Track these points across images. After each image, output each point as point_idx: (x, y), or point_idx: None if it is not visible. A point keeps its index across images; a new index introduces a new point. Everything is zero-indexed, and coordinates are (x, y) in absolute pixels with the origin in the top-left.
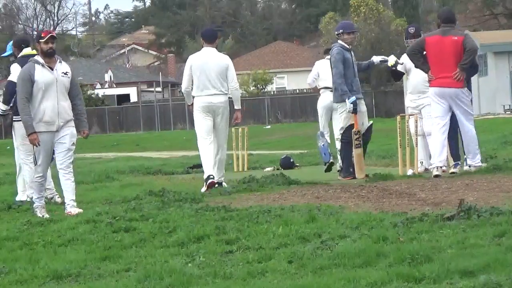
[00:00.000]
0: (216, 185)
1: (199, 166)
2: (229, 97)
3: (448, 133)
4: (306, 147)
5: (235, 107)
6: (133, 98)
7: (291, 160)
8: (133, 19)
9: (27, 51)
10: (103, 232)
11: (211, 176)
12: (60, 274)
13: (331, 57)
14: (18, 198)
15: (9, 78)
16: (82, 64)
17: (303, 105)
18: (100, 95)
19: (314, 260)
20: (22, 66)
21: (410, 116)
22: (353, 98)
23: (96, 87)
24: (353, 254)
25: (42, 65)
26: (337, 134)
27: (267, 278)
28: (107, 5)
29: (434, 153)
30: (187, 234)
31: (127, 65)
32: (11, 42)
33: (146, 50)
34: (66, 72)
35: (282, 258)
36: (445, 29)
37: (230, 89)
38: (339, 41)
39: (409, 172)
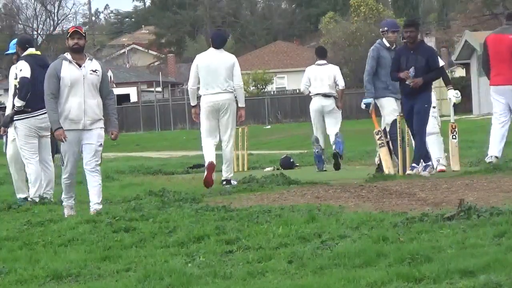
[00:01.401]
0: (224, 182)
1: (199, 166)
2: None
3: (413, 135)
4: (306, 147)
5: (239, 105)
6: (133, 98)
7: (291, 160)
8: (133, 19)
9: (31, 50)
10: (103, 232)
11: (211, 160)
12: (60, 274)
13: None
14: (20, 197)
15: (22, 75)
16: None
17: (303, 105)
18: None
19: (314, 260)
20: (29, 63)
21: None
22: (369, 100)
23: None
24: (353, 254)
25: (70, 62)
26: (333, 134)
27: (267, 278)
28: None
29: (493, 144)
30: (187, 234)
31: (127, 65)
32: (15, 40)
33: (146, 50)
34: (96, 70)
35: (282, 258)
36: (504, 27)
37: (235, 87)
38: (383, 39)
39: (409, 172)
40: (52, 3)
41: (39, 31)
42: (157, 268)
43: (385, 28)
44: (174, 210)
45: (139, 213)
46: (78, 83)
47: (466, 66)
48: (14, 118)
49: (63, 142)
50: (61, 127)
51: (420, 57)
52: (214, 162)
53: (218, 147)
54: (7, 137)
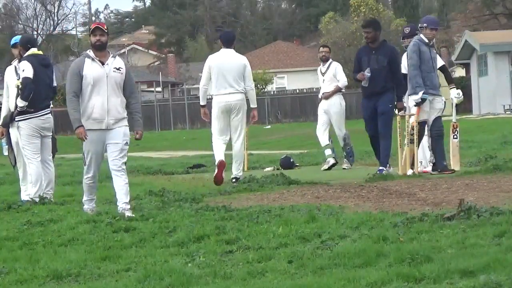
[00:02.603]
0: (234, 180)
1: (199, 166)
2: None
3: (376, 138)
4: (306, 147)
5: (251, 106)
6: None
7: (291, 160)
8: (133, 19)
9: (33, 50)
10: (103, 232)
11: (221, 159)
12: (60, 274)
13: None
14: (22, 197)
15: (25, 75)
16: None
17: (303, 105)
18: None
19: (314, 260)
20: (31, 63)
21: (411, 116)
22: (425, 96)
23: None
24: (353, 254)
25: (92, 59)
26: (342, 133)
27: (267, 278)
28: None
29: None
30: (187, 234)
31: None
32: (18, 37)
33: (146, 50)
34: (119, 67)
35: (282, 258)
36: None
37: (246, 89)
38: (421, 35)
39: (409, 172)
40: (52, 3)
41: (39, 31)
42: (157, 268)
43: (424, 25)
44: (174, 210)
45: (139, 213)
46: (101, 81)
47: (466, 66)
48: (17, 119)
49: (84, 140)
50: (82, 126)
51: (381, 57)
52: (224, 160)
53: (228, 147)
54: (8, 139)
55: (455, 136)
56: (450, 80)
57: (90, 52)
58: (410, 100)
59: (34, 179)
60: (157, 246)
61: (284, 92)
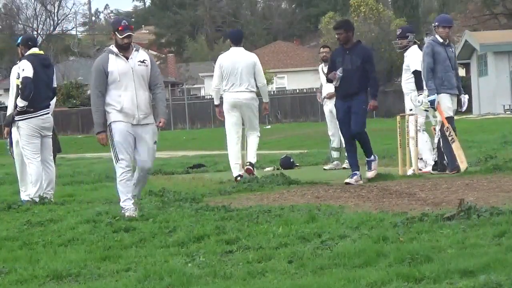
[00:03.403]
0: (248, 163)
1: (199, 166)
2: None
3: (350, 142)
4: (306, 147)
5: (264, 100)
6: None
7: (291, 160)
8: (133, 19)
9: (34, 50)
10: (103, 232)
11: (239, 175)
12: (60, 274)
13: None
14: (22, 197)
15: (25, 75)
16: (82, 64)
17: (303, 105)
18: None
19: (314, 260)
20: (31, 63)
21: (410, 116)
22: (433, 97)
23: None
24: (353, 254)
25: (116, 55)
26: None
27: (267, 278)
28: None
29: None
30: (187, 234)
31: None
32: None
33: (146, 50)
34: (144, 60)
35: (282, 258)
36: None
37: (258, 85)
38: (435, 35)
39: (409, 172)
40: (52, 3)
41: (39, 31)
42: (157, 268)
43: (436, 24)
44: (174, 210)
45: (139, 213)
46: (127, 76)
47: (466, 66)
48: (17, 118)
49: (104, 146)
50: (104, 131)
51: (355, 58)
52: (242, 172)
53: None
54: (11, 138)
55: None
56: (419, 87)
57: (113, 48)
58: (407, 101)
59: (34, 179)
60: (157, 246)
61: (284, 92)
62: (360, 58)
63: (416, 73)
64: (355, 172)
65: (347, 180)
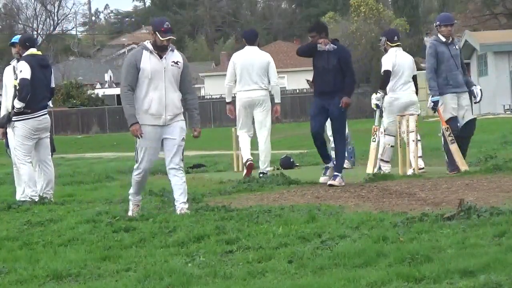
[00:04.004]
0: (261, 175)
1: (199, 166)
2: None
3: (319, 136)
4: (306, 147)
5: (276, 101)
6: None
7: (291, 160)
8: (133, 19)
9: (32, 51)
10: (103, 232)
11: (250, 159)
12: (60, 274)
13: None
14: (18, 197)
15: (22, 76)
16: (82, 64)
17: (303, 105)
18: (100, 95)
19: (314, 260)
20: (29, 64)
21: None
22: (436, 98)
23: (96, 87)
24: (353, 254)
25: (151, 52)
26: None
27: (267, 278)
28: (107, 5)
29: None
30: (187, 234)
31: None
32: (18, 36)
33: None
34: (177, 61)
35: (282, 258)
36: None
37: (271, 85)
38: (438, 35)
39: (409, 172)
40: (52, 3)
41: (39, 31)
42: (157, 268)
43: (437, 23)
44: (174, 210)
45: (139, 213)
46: (159, 75)
47: (466, 66)
48: (14, 119)
49: (139, 138)
50: (137, 122)
51: (331, 58)
52: (260, 169)
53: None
54: (7, 139)
55: (373, 139)
56: (382, 86)
57: (148, 44)
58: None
59: (27, 179)
60: (157, 246)
61: (284, 92)
62: (336, 58)
63: (385, 73)
64: (327, 166)
65: (321, 180)
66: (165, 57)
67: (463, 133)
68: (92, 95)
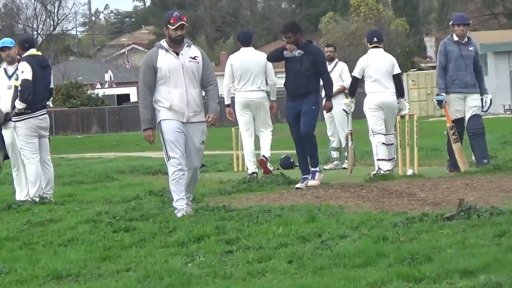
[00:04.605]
0: (263, 156)
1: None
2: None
3: (301, 145)
4: None
5: (271, 98)
6: (133, 98)
7: (291, 160)
8: (133, 19)
9: (32, 51)
10: (103, 232)
11: (254, 174)
12: (60, 274)
13: None
14: (17, 198)
15: (24, 77)
16: (82, 64)
17: None
18: (100, 95)
19: (314, 260)
20: (30, 64)
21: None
22: (440, 97)
23: (96, 87)
24: (353, 254)
25: (166, 50)
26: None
27: (267, 278)
28: (107, 5)
29: None
30: (187, 234)
31: (127, 65)
32: (6, 40)
33: (146, 50)
34: (195, 56)
35: (282, 258)
36: None
37: (269, 83)
38: (453, 34)
39: (409, 172)
40: (52, 3)
41: (39, 31)
42: (157, 268)
43: (451, 23)
44: (174, 210)
45: (139, 213)
46: (177, 72)
47: None
48: (14, 119)
49: (151, 144)
50: (151, 128)
51: (305, 59)
52: (265, 156)
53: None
54: (2, 140)
55: (351, 144)
56: (350, 92)
57: (164, 43)
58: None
59: (33, 178)
60: (157, 246)
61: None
62: (310, 59)
63: (352, 79)
64: (305, 176)
65: (298, 185)
66: (182, 54)
67: (470, 131)
68: (92, 95)
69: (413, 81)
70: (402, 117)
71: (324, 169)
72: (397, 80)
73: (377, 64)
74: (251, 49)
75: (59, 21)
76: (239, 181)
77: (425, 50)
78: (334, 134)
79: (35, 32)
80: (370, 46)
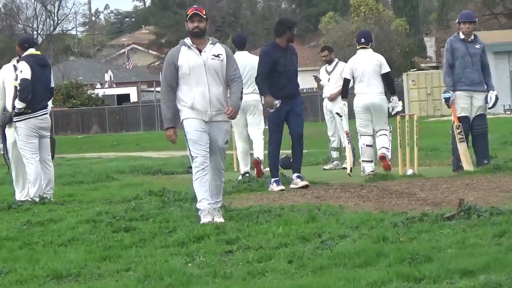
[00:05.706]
0: (258, 158)
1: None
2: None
3: (279, 146)
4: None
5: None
6: (133, 98)
7: (291, 160)
8: (133, 19)
9: (31, 51)
10: (103, 232)
11: (247, 174)
12: (60, 274)
13: None
14: (17, 198)
15: (23, 76)
16: (82, 64)
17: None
18: (100, 95)
19: (314, 260)
20: (29, 64)
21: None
22: (447, 95)
23: (96, 87)
24: (353, 254)
25: (189, 47)
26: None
27: (267, 278)
28: (107, 5)
29: None
30: (187, 234)
31: (127, 65)
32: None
33: (146, 50)
34: (218, 54)
35: (282, 258)
36: None
37: None
38: (460, 32)
39: (409, 172)
40: (52, 3)
41: (39, 31)
42: (157, 268)
43: (457, 21)
44: (174, 210)
45: (139, 213)
46: (199, 70)
47: None
48: (15, 119)
49: (173, 143)
50: (173, 127)
51: (294, 58)
52: (258, 158)
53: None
54: (5, 139)
55: (348, 143)
56: (343, 94)
57: (188, 40)
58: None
59: (33, 178)
60: (157, 246)
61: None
62: (295, 58)
63: (343, 81)
64: (277, 179)
65: (271, 187)
66: (204, 51)
67: (474, 130)
68: (92, 95)
69: (413, 81)
70: (402, 117)
71: (324, 169)
72: (387, 78)
73: (364, 65)
74: (245, 53)
75: (59, 21)
76: (239, 181)
77: (425, 50)
78: (334, 134)
79: (35, 32)
80: (358, 47)
